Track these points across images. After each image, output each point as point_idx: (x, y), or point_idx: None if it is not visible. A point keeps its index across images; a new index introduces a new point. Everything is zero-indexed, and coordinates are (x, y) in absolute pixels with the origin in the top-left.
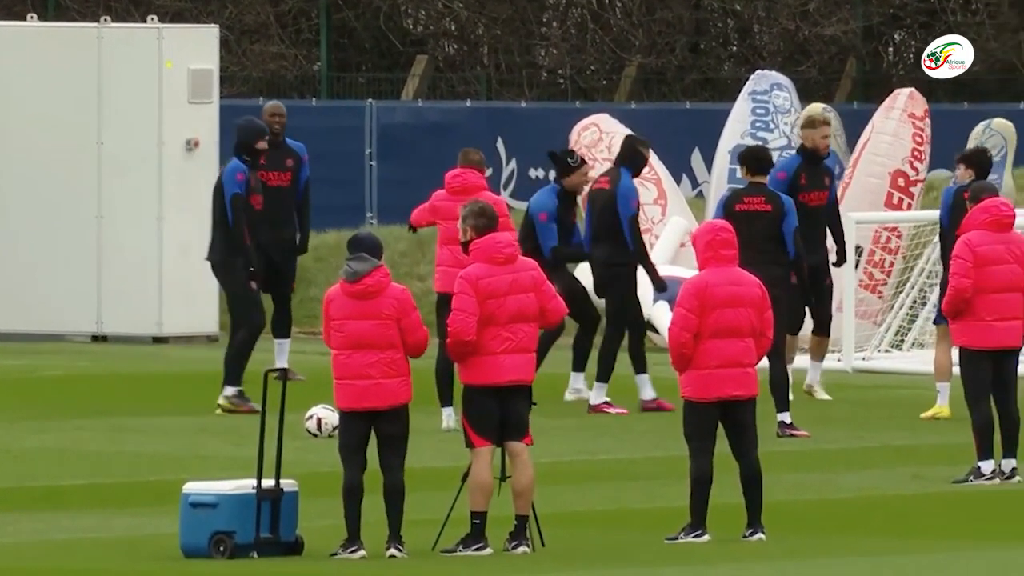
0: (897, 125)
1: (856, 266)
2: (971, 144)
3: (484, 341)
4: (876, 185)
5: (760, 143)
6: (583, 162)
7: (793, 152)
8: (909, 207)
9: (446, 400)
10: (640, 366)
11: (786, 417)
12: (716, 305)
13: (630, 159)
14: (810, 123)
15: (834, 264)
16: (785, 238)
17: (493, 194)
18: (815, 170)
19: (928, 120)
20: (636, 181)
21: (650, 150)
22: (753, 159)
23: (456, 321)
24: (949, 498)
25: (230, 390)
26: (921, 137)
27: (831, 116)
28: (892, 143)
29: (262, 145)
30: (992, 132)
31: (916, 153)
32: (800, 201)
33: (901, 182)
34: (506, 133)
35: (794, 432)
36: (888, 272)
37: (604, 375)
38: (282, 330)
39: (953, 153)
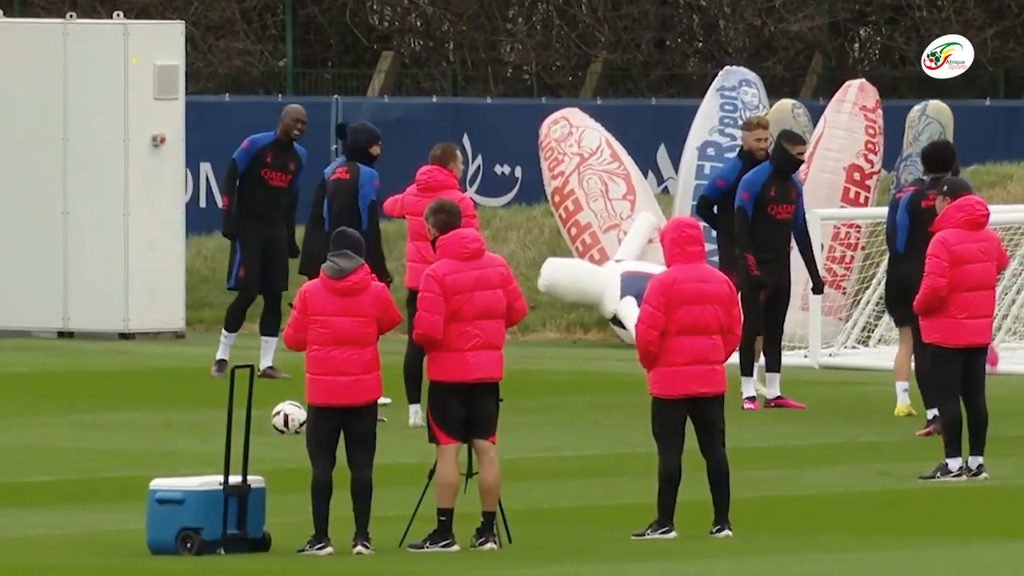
0: (849, 119)
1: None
2: (908, 131)
3: (450, 338)
4: (831, 180)
5: (728, 138)
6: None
7: (735, 156)
8: (867, 200)
9: (414, 397)
10: (772, 365)
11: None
12: (683, 302)
13: (773, 155)
14: (746, 125)
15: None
16: None
17: (459, 192)
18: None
19: (880, 111)
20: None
21: (801, 146)
22: (935, 156)
23: (422, 322)
24: (916, 494)
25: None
26: (874, 129)
27: (800, 112)
28: (845, 137)
29: (376, 150)
30: (929, 119)
31: (870, 145)
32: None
33: (857, 176)
34: (471, 129)
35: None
36: (849, 267)
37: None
38: (270, 328)
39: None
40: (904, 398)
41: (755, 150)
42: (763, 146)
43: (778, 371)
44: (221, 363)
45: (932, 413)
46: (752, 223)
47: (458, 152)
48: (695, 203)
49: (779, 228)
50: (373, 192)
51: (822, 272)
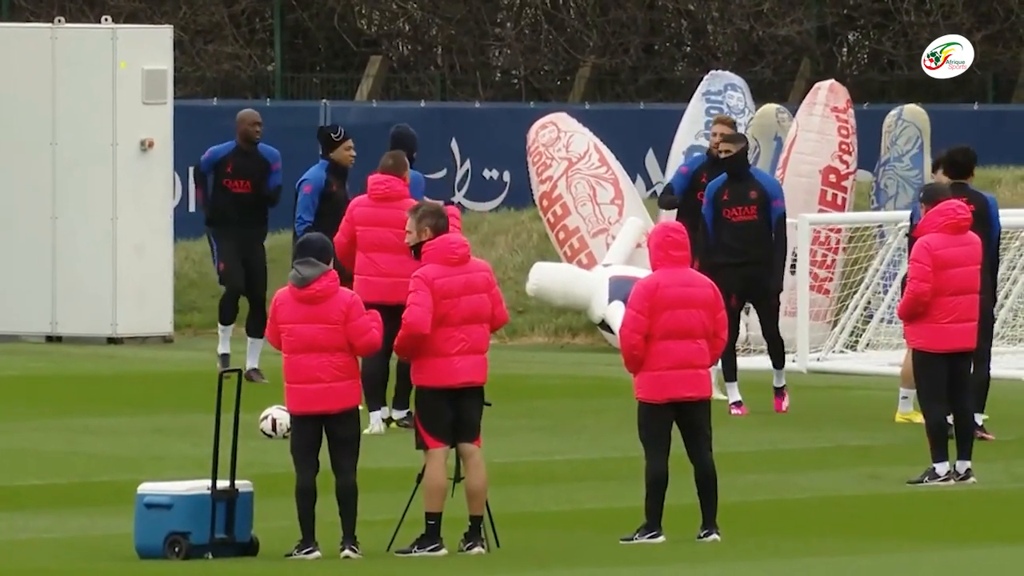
0: (821, 121)
1: (793, 270)
2: (886, 136)
3: (437, 342)
4: (808, 184)
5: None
6: (346, 136)
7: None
8: (844, 202)
9: (377, 404)
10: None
11: (978, 419)
12: (667, 306)
13: None
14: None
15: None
16: (991, 239)
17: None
18: (718, 171)
19: (852, 111)
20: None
21: (727, 144)
22: (953, 162)
23: (412, 315)
24: (904, 499)
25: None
26: (847, 130)
27: (784, 116)
28: (818, 140)
29: (415, 154)
30: (905, 123)
31: (844, 146)
32: (697, 199)
33: (832, 178)
34: (460, 134)
35: (983, 435)
36: (831, 269)
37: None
38: (255, 330)
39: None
40: (905, 405)
41: (712, 147)
42: (716, 141)
43: (780, 368)
44: (224, 357)
45: (978, 419)
46: (713, 228)
47: (407, 161)
48: (660, 191)
49: (740, 230)
50: (424, 194)
51: (808, 279)
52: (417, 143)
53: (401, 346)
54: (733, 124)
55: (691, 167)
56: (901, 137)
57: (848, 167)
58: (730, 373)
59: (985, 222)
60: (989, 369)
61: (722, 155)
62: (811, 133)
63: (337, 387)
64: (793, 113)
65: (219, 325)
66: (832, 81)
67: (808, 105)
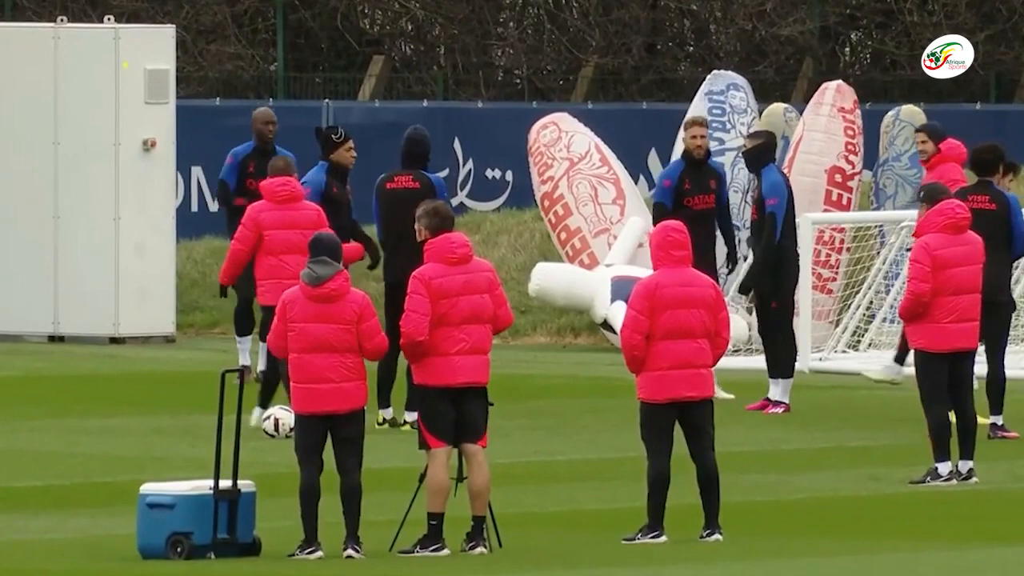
0: (827, 121)
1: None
2: (884, 136)
3: (437, 342)
4: (813, 184)
5: (717, 142)
6: (347, 137)
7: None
8: (849, 202)
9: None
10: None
11: (998, 419)
12: (667, 306)
13: None
14: (683, 125)
15: (727, 268)
16: (1014, 237)
17: (311, 203)
18: (698, 173)
19: (858, 112)
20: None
21: (692, 127)
22: (979, 160)
23: (408, 322)
24: (906, 499)
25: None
26: (853, 130)
27: (792, 115)
28: (825, 140)
29: (429, 156)
30: (903, 123)
31: (850, 146)
32: (685, 205)
33: (838, 178)
34: (463, 133)
35: (1005, 434)
36: (835, 269)
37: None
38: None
39: None
40: None
41: (692, 149)
42: (701, 143)
43: (784, 377)
44: (243, 369)
45: (993, 420)
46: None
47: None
48: (652, 212)
49: (752, 228)
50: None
51: (810, 278)
52: (430, 146)
53: (404, 352)
54: (706, 124)
55: (672, 177)
56: (899, 137)
57: (854, 167)
58: (772, 368)
59: (1006, 221)
60: (1003, 368)
61: (689, 142)
62: (817, 133)
63: (346, 387)
64: (800, 113)
65: (236, 337)
66: (839, 81)
67: (815, 105)
